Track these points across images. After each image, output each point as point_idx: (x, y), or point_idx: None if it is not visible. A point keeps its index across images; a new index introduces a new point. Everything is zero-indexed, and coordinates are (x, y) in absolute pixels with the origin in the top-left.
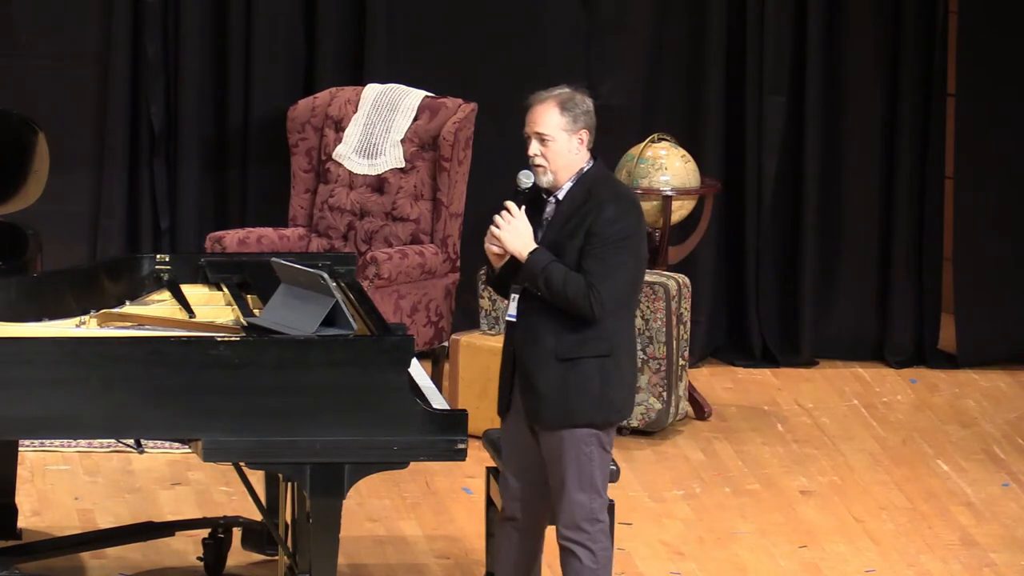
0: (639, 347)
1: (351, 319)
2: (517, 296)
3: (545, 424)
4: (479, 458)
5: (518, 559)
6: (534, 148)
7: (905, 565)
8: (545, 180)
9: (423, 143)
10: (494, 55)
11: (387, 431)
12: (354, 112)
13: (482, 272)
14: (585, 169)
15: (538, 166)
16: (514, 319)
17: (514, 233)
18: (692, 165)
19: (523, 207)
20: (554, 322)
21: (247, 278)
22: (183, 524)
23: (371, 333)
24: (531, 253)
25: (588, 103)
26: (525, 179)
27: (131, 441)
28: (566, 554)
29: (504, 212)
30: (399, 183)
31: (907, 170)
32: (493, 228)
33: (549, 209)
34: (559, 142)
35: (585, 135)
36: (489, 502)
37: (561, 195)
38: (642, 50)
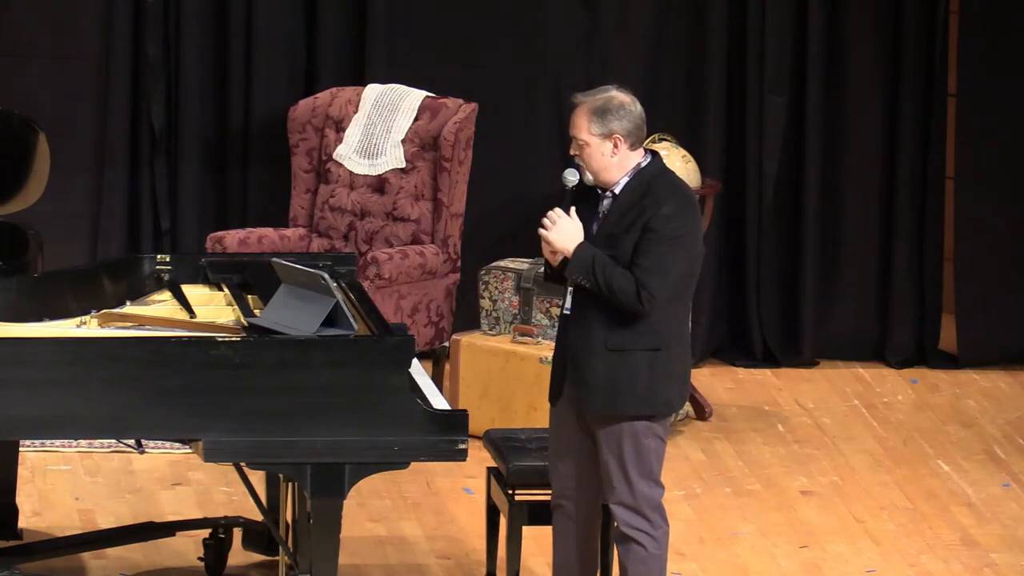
0: None
1: (352, 319)
2: (572, 290)
3: (591, 413)
4: (480, 458)
5: (580, 551)
6: (573, 148)
7: (906, 565)
8: (586, 178)
9: (424, 143)
10: (494, 55)
11: (388, 431)
12: (355, 112)
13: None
14: (643, 165)
15: (581, 163)
16: (569, 312)
17: (561, 232)
18: (693, 165)
19: (572, 206)
20: (606, 314)
21: (248, 278)
22: (184, 524)
23: (372, 333)
24: (577, 247)
25: (629, 107)
26: (571, 176)
27: (132, 441)
28: (627, 543)
29: (550, 213)
30: (400, 183)
31: (907, 170)
32: (541, 231)
33: (605, 203)
34: (592, 147)
35: (620, 140)
36: (490, 502)
37: (618, 190)
38: (642, 50)
